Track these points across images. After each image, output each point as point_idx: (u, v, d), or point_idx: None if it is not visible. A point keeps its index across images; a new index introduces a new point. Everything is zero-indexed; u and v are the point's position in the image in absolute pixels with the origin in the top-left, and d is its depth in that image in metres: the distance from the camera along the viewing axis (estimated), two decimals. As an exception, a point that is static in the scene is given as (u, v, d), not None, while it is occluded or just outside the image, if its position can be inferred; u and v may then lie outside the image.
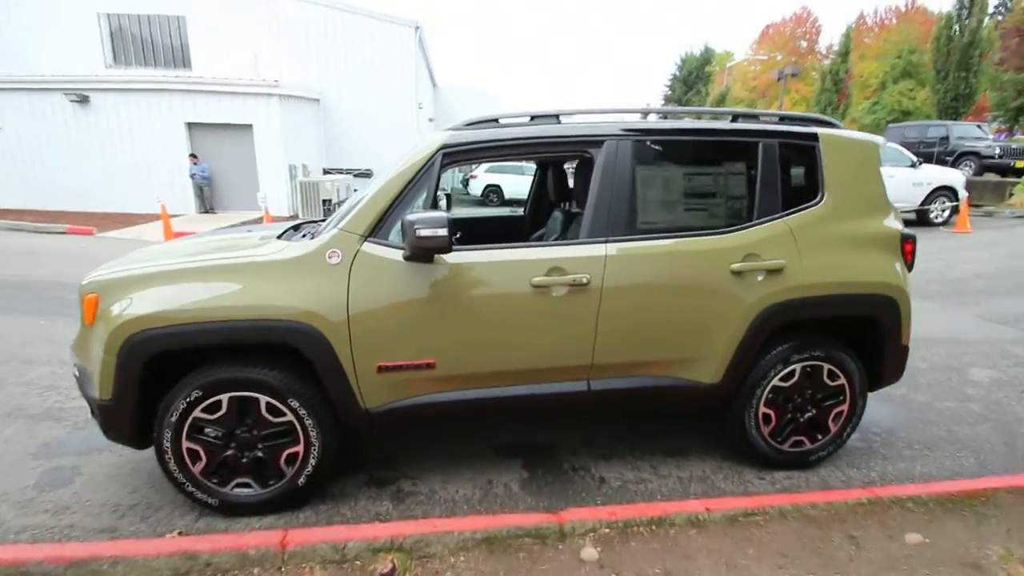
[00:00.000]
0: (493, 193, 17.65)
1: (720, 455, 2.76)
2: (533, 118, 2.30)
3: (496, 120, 2.27)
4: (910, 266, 2.59)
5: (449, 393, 2.24)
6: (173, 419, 2.08)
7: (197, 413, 2.10)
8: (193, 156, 13.84)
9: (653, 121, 2.44)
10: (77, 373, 2.25)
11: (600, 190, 2.26)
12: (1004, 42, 23.35)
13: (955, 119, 19.33)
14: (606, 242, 2.25)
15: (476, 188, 17.91)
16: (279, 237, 2.45)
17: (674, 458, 2.74)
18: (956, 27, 19.89)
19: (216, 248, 2.40)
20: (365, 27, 16.79)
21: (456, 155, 2.21)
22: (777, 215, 2.40)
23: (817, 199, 2.45)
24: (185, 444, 2.12)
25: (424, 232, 1.92)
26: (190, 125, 13.99)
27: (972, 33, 19.56)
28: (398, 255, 2.11)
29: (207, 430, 2.13)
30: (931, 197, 11.08)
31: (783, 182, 2.42)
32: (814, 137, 2.47)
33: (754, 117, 2.49)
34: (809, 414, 2.58)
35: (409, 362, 2.16)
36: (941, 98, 20.86)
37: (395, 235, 2.16)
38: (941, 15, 21.31)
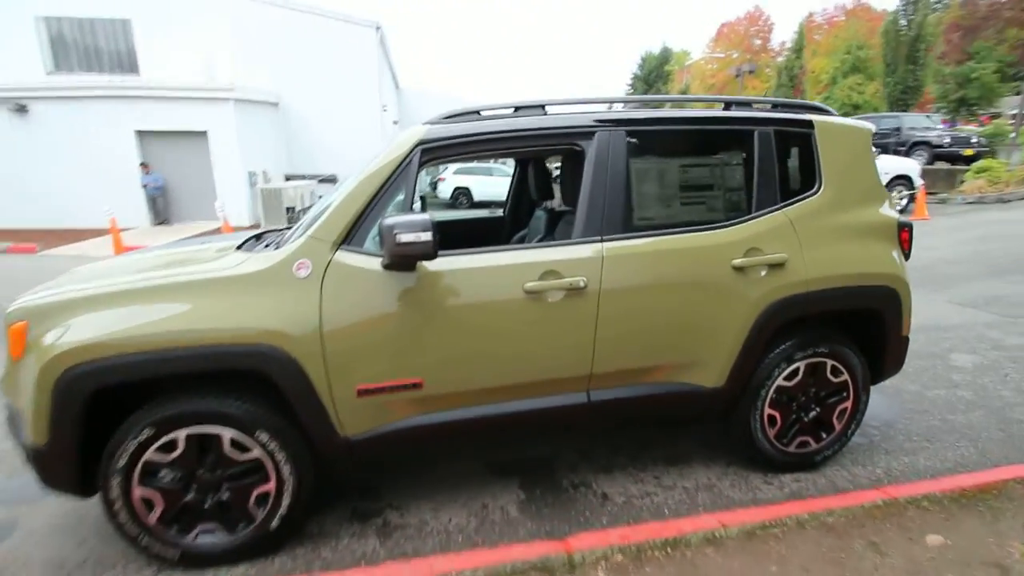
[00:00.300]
0: (463, 195, 17.41)
1: (724, 460, 2.64)
2: (517, 109, 2.12)
3: (478, 112, 2.08)
4: (907, 255, 2.53)
5: (438, 414, 2.03)
6: (121, 464, 1.81)
7: (150, 455, 1.83)
8: (144, 165, 13.14)
9: (646, 110, 2.28)
10: (7, 414, 1.95)
11: (593, 185, 2.09)
12: (946, 36, 24.50)
13: (905, 111, 20.12)
14: (602, 241, 2.09)
15: (445, 191, 17.62)
16: (239, 248, 2.19)
17: (677, 467, 2.60)
18: (903, 22, 20.71)
19: (167, 264, 2.13)
20: (324, 28, 16.29)
21: (436, 151, 2.00)
22: (776, 207, 2.29)
23: (815, 189, 2.35)
24: (137, 491, 1.85)
25: (405, 237, 1.72)
26: (140, 133, 13.28)
27: (918, 27, 20.42)
28: (376, 264, 1.90)
29: (162, 473, 1.86)
30: (889, 186, 11.43)
31: (780, 172, 2.31)
32: (809, 124, 2.37)
33: (747, 104, 2.38)
34: (813, 413, 2.48)
35: (393, 383, 1.94)
36: (891, 90, 21.70)
37: (371, 242, 1.95)
38: (887, 12, 22.23)
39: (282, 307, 1.82)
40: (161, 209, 13.59)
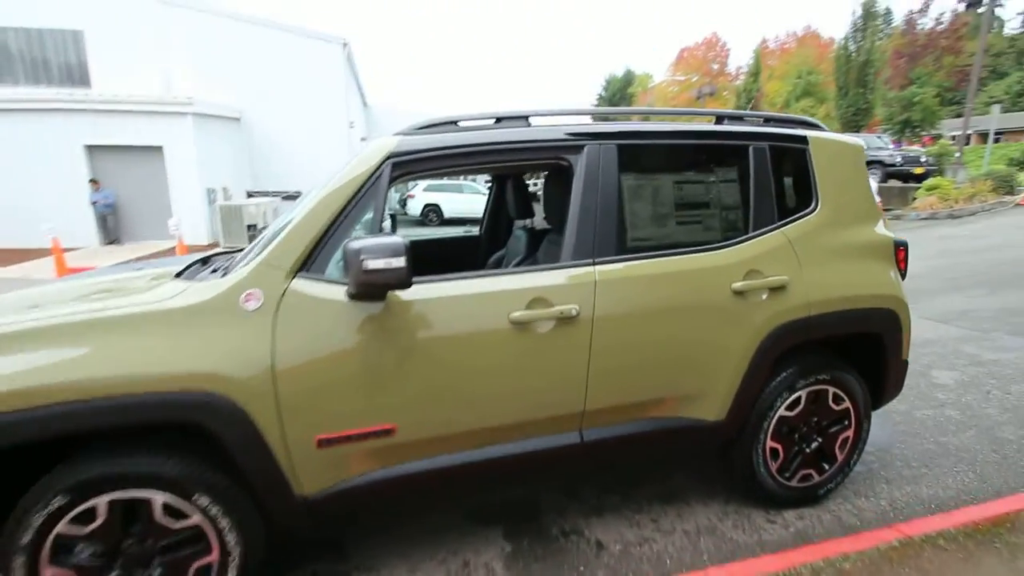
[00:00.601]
0: (432, 212, 17.15)
1: (722, 496, 2.45)
2: (499, 120, 1.92)
3: (455, 123, 1.87)
4: (903, 274, 2.43)
5: (413, 464, 1.78)
6: (26, 540, 1.48)
7: (63, 527, 1.51)
8: (94, 182, 12.42)
9: (638, 123, 2.13)
10: None
11: (584, 203, 1.91)
12: (892, 62, 25.97)
13: (856, 131, 21.08)
14: (594, 264, 1.90)
15: (415, 208, 17.34)
16: (178, 276, 1.91)
17: (673, 505, 2.40)
18: (852, 48, 21.83)
19: (89, 295, 1.82)
20: (289, 44, 15.95)
21: (408, 165, 1.78)
22: (774, 226, 2.15)
23: (811, 207, 2.23)
24: (47, 572, 1.52)
25: (374, 263, 1.48)
26: (90, 148, 12.57)
27: (867, 53, 21.53)
28: (340, 293, 1.65)
29: (79, 548, 1.54)
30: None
31: (776, 189, 2.18)
32: (803, 140, 2.26)
33: (739, 119, 2.25)
34: (816, 443, 2.33)
35: (360, 430, 1.68)
36: (844, 112, 22.76)
37: (335, 268, 1.70)
38: (834, 40, 23.53)
39: (225, 345, 1.55)
40: (112, 228, 12.84)
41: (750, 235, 2.11)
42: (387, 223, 3.63)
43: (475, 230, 3.61)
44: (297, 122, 16.01)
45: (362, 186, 1.72)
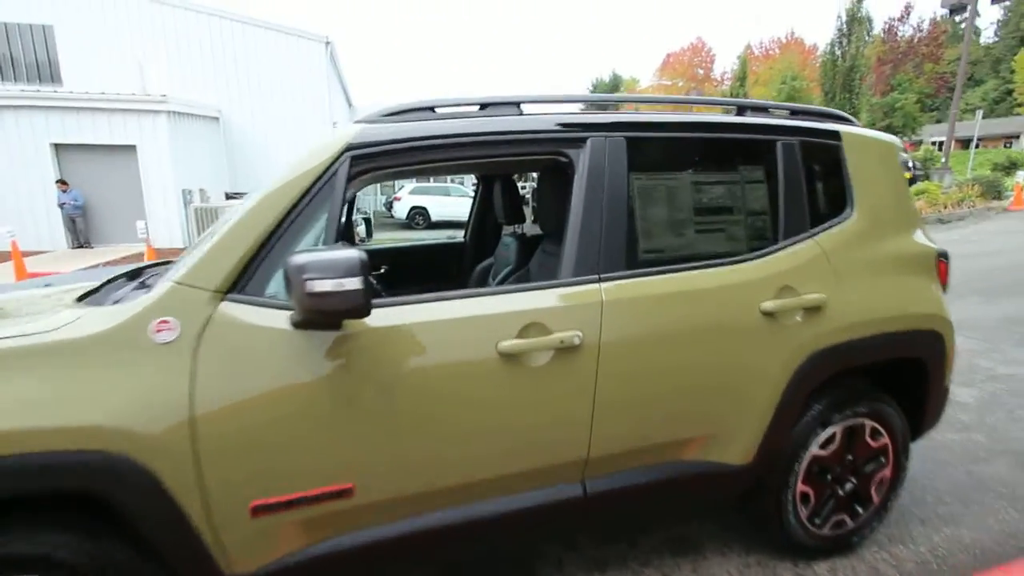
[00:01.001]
0: (419, 216, 16.77)
1: (740, 544, 2.13)
2: (485, 106, 1.58)
3: (431, 109, 1.53)
4: (944, 288, 2.14)
5: (375, 530, 1.43)
6: None
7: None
8: (62, 182, 11.82)
9: (650, 112, 1.80)
10: None
11: (587, 207, 1.58)
12: (877, 68, 26.22)
13: (844, 136, 21.07)
14: (599, 281, 1.57)
15: (401, 211, 16.94)
16: (81, 299, 1.54)
17: (688, 558, 2.07)
18: (838, 53, 21.92)
19: None
20: (270, 41, 15.48)
21: (372, 159, 1.43)
22: (806, 234, 1.84)
23: (846, 213, 1.93)
24: None
25: (321, 285, 1.13)
26: (57, 146, 11.99)
27: (852, 59, 21.63)
28: (283, 320, 1.30)
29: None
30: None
31: (808, 192, 1.87)
32: (836, 136, 1.95)
33: (763, 110, 1.94)
34: (850, 485, 2.02)
35: (308, 492, 1.33)
36: (831, 118, 22.82)
37: (278, 287, 1.35)
38: (816, 47, 23.73)
39: (126, 390, 1.19)
40: (82, 230, 12.25)
41: (780, 245, 1.80)
42: (361, 227, 3.29)
43: (460, 237, 3.27)
44: (278, 122, 15.52)
45: (312, 184, 1.37)
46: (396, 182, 18.73)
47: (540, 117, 1.60)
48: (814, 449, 1.90)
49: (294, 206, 1.35)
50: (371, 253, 3.05)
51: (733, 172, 1.82)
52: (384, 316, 1.38)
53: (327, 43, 15.88)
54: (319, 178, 1.37)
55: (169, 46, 14.77)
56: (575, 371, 1.51)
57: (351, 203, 2.78)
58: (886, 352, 1.92)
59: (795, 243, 1.81)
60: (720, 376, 1.68)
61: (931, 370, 2.03)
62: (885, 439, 2.03)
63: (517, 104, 1.62)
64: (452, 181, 18.42)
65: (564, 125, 1.60)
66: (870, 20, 21.79)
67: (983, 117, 25.46)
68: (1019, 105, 37.57)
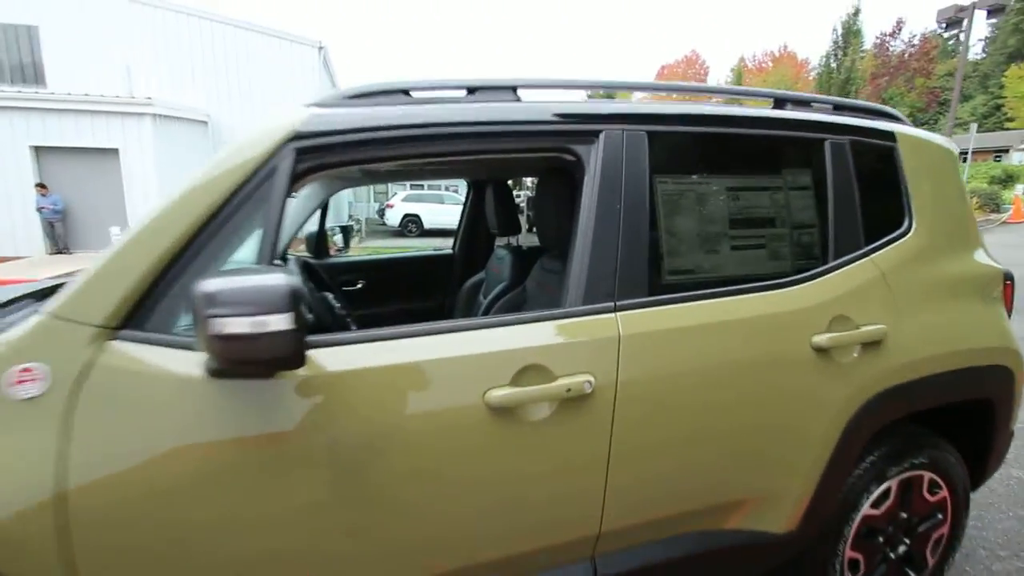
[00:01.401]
0: (412, 224, 16.47)
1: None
2: (474, 91, 1.27)
3: (405, 92, 1.21)
4: (1008, 313, 1.84)
5: (326, 638, 1.09)
6: None
7: None
8: (41, 186, 11.43)
9: (676, 102, 1.49)
10: None
11: (600, 216, 1.26)
12: (872, 82, 26.32)
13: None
14: (615, 310, 1.25)
15: (393, 218, 16.64)
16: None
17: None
18: (834, 65, 21.98)
19: None
20: (261, 45, 15.21)
21: (325, 152, 1.10)
22: (860, 252, 1.54)
23: (904, 227, 1.63)
24: None
25: (232, 325, 0.80)
26: (38, 149, 11.61)
27: (847, 71, 21.69)
28: (195, 364, 0.97)
29: None
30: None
31: (861, 202, 1.57)
32: (891, 136, 1.66)
33: (805, 104, 1.64)
34: (903, 547, 1.71)
35: (232, 595, 0.99)
36: (826, 129, 22.85)
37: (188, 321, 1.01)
38: (810, 61, 23.86)
39: None
40: (61, 236, 11.84)
41: (831, 265, 1.49)
42: (338, 236, 2.95)
43: (449, 248, 2.96)
44: (269, 127, 15.18)
45: (243, 184, 1.04)
46: (389, 188, 18.44)
47: (542, 105, 1.28)
48: (866, 508, 1.59)
49: (216, 213, 1.02)
50: (348, 266, 2.72)
51: (776, 176, 1.51)
52: (335, 358, 1.05)
53: (320, 48, 15.65)
54: (252, 175, 1.04)
55: (158, 49, 14.47)
56: (585, 427, 1.18)
57: (324, 209, 2.46)
58: (952, 393, 1.61)
59: (849, 263, 1.50)
60: (764, 427, 1.37)
61: (998, 411, 1.72)
62: (943, 492, 1.72)
63: (513, 89, 1.30)
64: (448, 189, 18.14)
65: (572, 115, 1.29)
66: (862, 34, 21.96)
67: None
68: (1009, 120, 38.00)
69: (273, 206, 1.02)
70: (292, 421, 1.01)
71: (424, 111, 1.18)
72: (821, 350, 1.39)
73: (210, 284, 0.82)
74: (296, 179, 1.08)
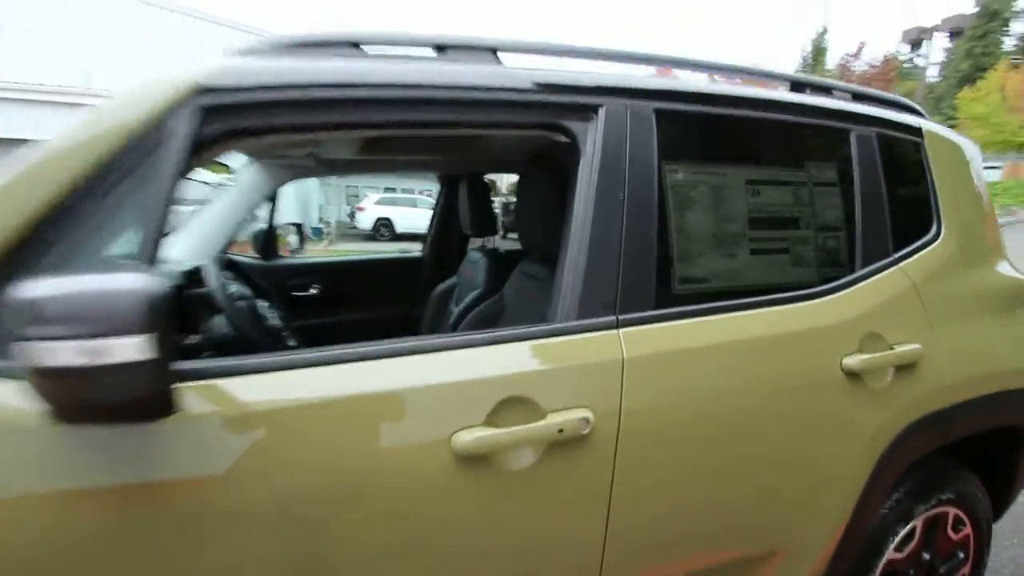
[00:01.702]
0: (384, 227, 16.04)
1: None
2: (444, 49, 1.01)
3: (355, 44, 0.94)
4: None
5: None
6: None
7: None
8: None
9: (688, 80, 1.26)
10: None
11: (599, 210, 1.02)
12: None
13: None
14: (618, 325, 1.01)
15: (365, 222, 16.18)
16: None
17: None
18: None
19: None
20: (237, 41, 14.67)
21: (240, 113, 0.82)
22: (889, 259, 1.34)
23: (933, 232, 1.44)
24: None
25: (55, 353, 0.52)
26: (-22, 140, 10.80)
27: (815, 88, 22.38)
28: (30, 404, 0.68)
29: None
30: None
31: (888, 202, 1.38)
32: (918, 132, 1.48)
33: (825, 90, 1.44)
34: (923, 591, 1.52)
35: None
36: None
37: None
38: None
39: None
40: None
41: (859, 274, 1.28)
42: (294, 237, 2.64)
43: (417, 251, 2.69)
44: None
45: (122, 151, 0.75)
46: (361, 190, 17.94)
47: (529, 71, 1.04)
48: (890, 552, 1.39)
49: (79, 190, 0.73)
50: (302, 269, 2.42)
51: (799, 170, 1.30)
52: (259, 389, 0.78)
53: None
54: (133, 141, 0.76)
55: (128, 42, 13.84)
56: (581, 474, 0.93)
57: (272, 203, 2.16)
58: (987, 419, 1.43)
59: (878, 271, 1.30)
60: (790, 465, 1.15)
61: (1027, 438, 1.56)
62: (967, 529, 1.55)
63: (493, 51, 1.05)
64: (422, 193, 17.77)
65: (566, 86, 1.05)
66: (826, 52, 22.80)
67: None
68: (963, 139, 39.95)
69: (164, 180, 0.74)
70: (191, 477, 0.73)
71: (376, 67, 0.92)
72: (852, 374, 1.18)
73: (30, 288, 0.54)
74: (202, 147, 0.80)
